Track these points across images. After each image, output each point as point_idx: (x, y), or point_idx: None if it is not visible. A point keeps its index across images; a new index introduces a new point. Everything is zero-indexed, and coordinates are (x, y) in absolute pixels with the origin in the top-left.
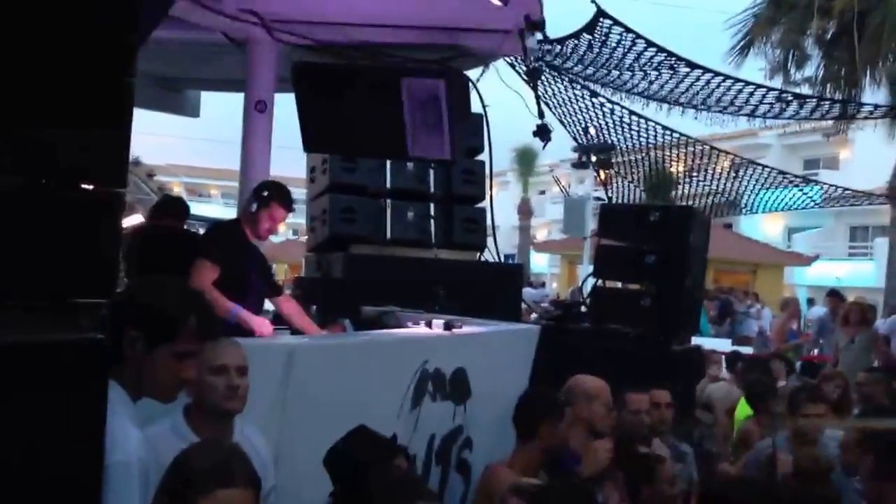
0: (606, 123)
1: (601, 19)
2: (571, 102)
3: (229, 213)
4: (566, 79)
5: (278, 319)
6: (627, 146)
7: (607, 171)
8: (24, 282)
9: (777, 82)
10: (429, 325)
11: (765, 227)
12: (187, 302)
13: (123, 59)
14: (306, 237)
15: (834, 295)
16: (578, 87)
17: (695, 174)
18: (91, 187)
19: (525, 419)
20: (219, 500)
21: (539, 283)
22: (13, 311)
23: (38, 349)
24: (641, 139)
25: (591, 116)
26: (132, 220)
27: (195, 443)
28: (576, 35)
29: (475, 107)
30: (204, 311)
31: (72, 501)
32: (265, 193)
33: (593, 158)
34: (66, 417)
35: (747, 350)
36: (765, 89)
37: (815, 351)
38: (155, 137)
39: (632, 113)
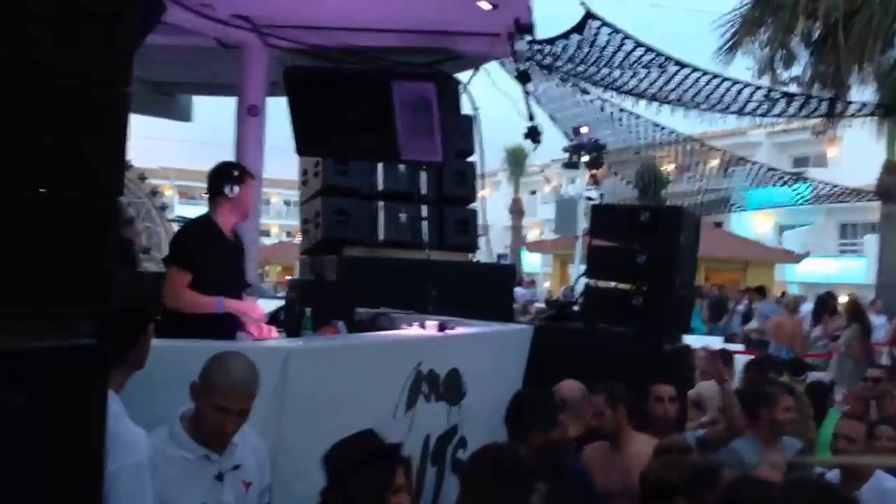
0: (597, 119)
1: (590, 20)
2: (562, 98)
3: None
4: (557, 77)
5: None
6: (619, 144)
7: (597, 171)
8: (22, 288)
9: (765, 81)
10: (422, 326)
11: (755, 225)
12: None
13: (119, 67)
14: (299, 239)
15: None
16: (569, 84)
17: (686, 172)
18: (87, 195)
19: (516, 422)
20: None
21: (528, 282)
22: (11, 317)
23: (37, 354)
24: (632, 135)
25: (581, 112)
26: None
27: None
28: (565, 35)
29: (465, 109)
30: None
31: None
32: (236, 173)
33: (584, 158)
34: (67, 422)
35: (737, 347)
36: (753, 87)
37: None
38: (147, 141)
39: (622, 110)
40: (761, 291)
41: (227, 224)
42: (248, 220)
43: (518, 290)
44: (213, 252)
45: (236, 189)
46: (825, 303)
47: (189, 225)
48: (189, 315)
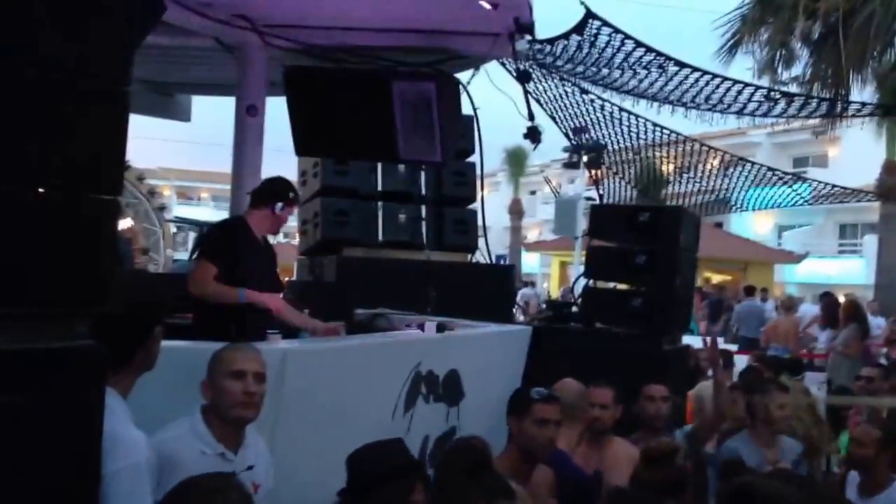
0: (597, 119)
1: (590, 20)
2: (562, 98)
3: (220, 216)
4: (556, 76)
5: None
6: (618, 144)
7: (597, 171)
8: (18, 289)
9: (765, 82)
10: (421, 327)
11: (755, 225)
12: None
13: (123, 67)
14: (297, 240)
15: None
16: (569, 84)
17: (686, 172)
18: (86, 196)
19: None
20: None
21: (529, 283)
22: (8, 318)
23: (34, 355)
24: (632, 135)
25: (581, 112)
26: (121, 224)
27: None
28: (565, 35)
29: (466, 109)
30: None
31: None
32: (291, 195)
33: (584, 158)
34: (64, 423)
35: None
36: (753, 87)
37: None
38: (145, 141)
39: (622, 109)
40: (748, 291)
41: (259, 230)
42: (275, 235)
43: (525, 291)
44: (241, 250)
45: (285, 210)
46: (835, 305)
47: (220, 223)
48: (217, 313)
